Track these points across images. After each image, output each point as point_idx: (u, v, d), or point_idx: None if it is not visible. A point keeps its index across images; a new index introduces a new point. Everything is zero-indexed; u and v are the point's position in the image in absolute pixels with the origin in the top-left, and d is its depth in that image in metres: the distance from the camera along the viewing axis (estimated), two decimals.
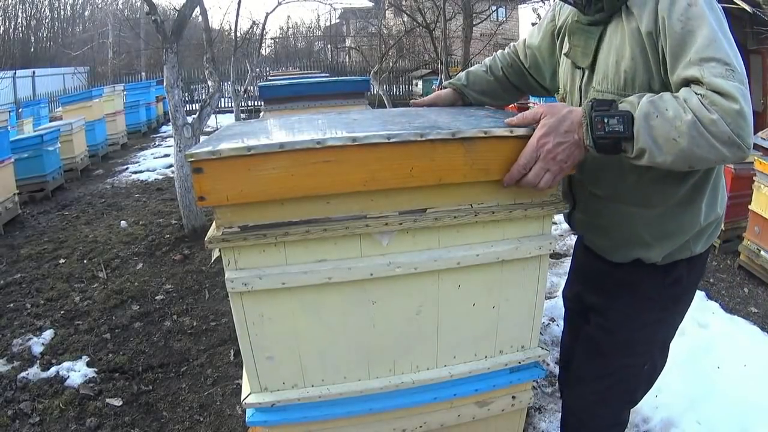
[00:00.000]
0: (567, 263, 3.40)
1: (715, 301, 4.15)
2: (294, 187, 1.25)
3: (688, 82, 1.26)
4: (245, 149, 1.20)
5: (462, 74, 2.02)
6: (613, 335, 1.68)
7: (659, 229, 1.54)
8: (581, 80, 1.60)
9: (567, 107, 1.31)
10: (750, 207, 4.77)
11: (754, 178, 4.73)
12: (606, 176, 1.52)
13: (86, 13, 29.80)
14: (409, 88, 20.89)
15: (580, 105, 1.49)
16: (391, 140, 1.24)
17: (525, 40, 1.92)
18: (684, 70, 1.27)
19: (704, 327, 3.58)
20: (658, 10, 1.33)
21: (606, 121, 1.25)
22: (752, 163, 4.79)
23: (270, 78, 10.58)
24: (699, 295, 4.14)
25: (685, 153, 1.21)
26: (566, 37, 1.64)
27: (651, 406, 2.84)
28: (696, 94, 1.21)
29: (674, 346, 3.28)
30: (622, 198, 1.54)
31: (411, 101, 2.16)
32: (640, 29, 1.38)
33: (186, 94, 18.31)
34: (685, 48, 1.28)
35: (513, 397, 1.61)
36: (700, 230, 1.56)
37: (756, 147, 5.58)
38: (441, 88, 2.05)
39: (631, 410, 2.84)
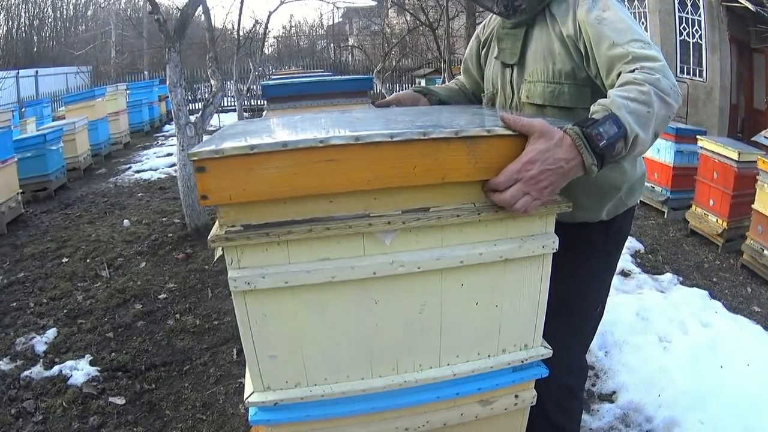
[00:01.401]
0: None
1: (718, 300, 4.14)
2: (297, 186, 1.24)
3: (614, 60, 1.49)
4: (248, 148, 1.20)
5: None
6: (568, 285, 1.82)
7: (595, 189, 1.76)
8: (510, 76, 1.84)
9: (560, 133, 1.29)
10: (753, 206, 4.77)
11: (757, 177, 4.73)
12: None
13: (89, 13, 29.81)
14: (412, 86, 20.88)
15: (512, 99, 1.85)
16: (394, 139, 1.24)
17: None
18: (610, 50, 1.50)
19: (707, 326, 3.58)
20: (577, 18, 1.61)
21: (601, 131, 1.29)
22: (755, 162, 4.78)
23: (273, 77, 10.57)
24: (702, 294, 4.15)
25: (656, 118, 1.35)
26: (494, 43, 1.91)
27: (654, 405, 2.84)
28: (635, 72, 1.40)
29: (677, 345, 3.30)
30: None
31: (374, 102, 2.26)
32: (563, 32, 1.65)
33: (189, 93, 18.32)
34: (606, 36, 1.52)
35: (516, 396, 1.61)
36: (629, 186, 1.81)
37: (760, 146, 5.59)
38: None
39: (635, 409, 2.87)
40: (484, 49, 2.03)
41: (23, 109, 12.39)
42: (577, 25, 1.61)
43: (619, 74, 1.46)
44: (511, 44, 1.81)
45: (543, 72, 1.72)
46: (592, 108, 1.38)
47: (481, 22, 2.16)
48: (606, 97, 1.39)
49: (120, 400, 3.11)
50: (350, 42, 27.66)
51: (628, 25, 1.53)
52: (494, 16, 1.91)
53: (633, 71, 1.40)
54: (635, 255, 5.16)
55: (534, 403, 1.65)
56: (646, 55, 1.43)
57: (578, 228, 1.80)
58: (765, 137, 5.31)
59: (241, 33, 14.77)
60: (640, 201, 6.77)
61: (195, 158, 1.19)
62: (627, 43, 1.48)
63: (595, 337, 2.14)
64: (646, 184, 6.66)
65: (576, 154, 1.28)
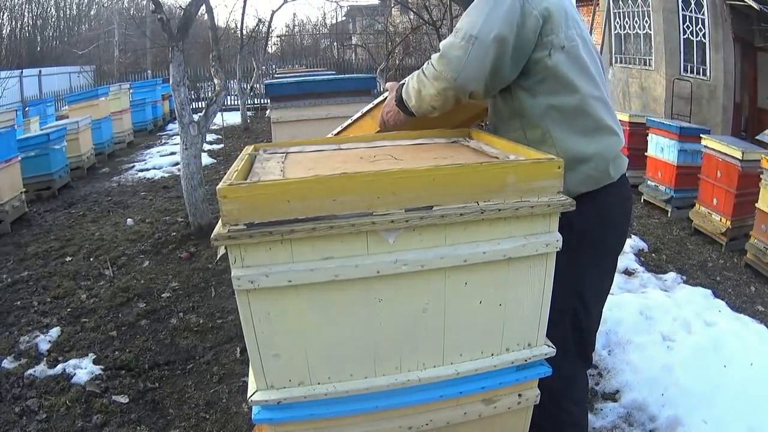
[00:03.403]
0: None
1: (722, 299, 4.13)
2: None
3: None
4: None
5: None
6: None
7: None
8: None
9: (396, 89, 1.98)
10: (757, 205, 4.76)
11: (760, 176, 4.72)
12: (491, 124, 2.06)
13: (92, 12, 29.82)
14: None
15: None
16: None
17: None
18: None
19: (711, 325, 3.57)
20: None
21: (402, 89, 1.91)
22: (759, 161, 4.77)
23: (276, 76, 10.57)
24: (705, 293, 4.13)
25: (417, 92, 1.83)
26: None
27: (657, 404, 2.84)
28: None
29: (681, 344, 3.29)
30: None
31: None
32: None
33: (192, 92, 18.32)
34: None
35: (519, 395, 1.61)
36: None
37: (763, 145, 5.57)
38: None
39: (638, 408, 2.85)
40: None
41: (27, 109, 12.38)
42: None
43: None
44: None
45: None
46: None
47: None
48: (510, 89, 1.82)
49: (123, 399, 3.12)
50: (353, 41, 27.65)
51: (467, 15, 1.76)
52: None
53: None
54: (639, 254, 5.15)
55: (537, 402, 1.65)
56: (440, 47, 1.77)
57: None
58: None
59: (244, 32, 14.79)
60: (644, 200, 6.78)
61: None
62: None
63: (596, 339, 2.06)
64: (649, 182, 6.67)
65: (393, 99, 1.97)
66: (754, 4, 8.08)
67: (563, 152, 1.71)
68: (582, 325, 1.92)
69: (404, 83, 1.91)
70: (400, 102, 1.91)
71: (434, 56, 1.77)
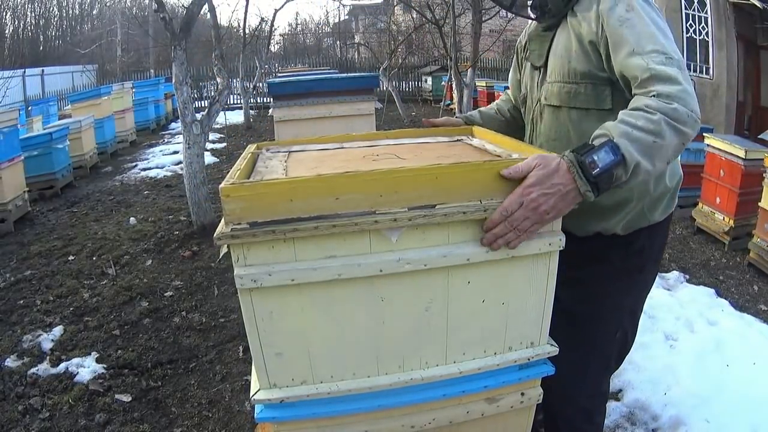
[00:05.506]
0: None
1: (725, 298, 4.13)
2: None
3: (632, 71, 1.43)
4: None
5: (475, 112, 2.20)
6: (584, 305, 1.78)
7: (611, 199, 1.65)
8: (538, 78, 1.83)
9: (557, 160, 1.32)
10: (760, 204, 4.75)
11: (763, 175, 4.71)
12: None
13: (94, 12, 29.90)
14: (418, 84, 20.80)
15: (538, 102, 1.81)
16: None
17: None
18: (628, 59, 1.44)
19: (713, 325, 3.57)
20: (600, 13, 1.54)
21: (595, 159, 1.30)
22: (762, 160, 4.76)
23: (279, 74, 10.57)
24: (708, 293, 4.13)
25: (665, 148, 1.33)
26: (527, 45, 1.91)
27: (660, 403, 2.84)
28: (650, 97, 1.36)
29: (683, 343, 3.29)
30: None
31: (423, 120, 2.22)
32: (581, 31, 1.61)
33: (195, 91, 18.36)
34: (626, 41, 1.46)
35: (522, 394, 1.61)
36: (652, 199, 1.70)
37: (766, 144, 5.56)
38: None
39: (641, 408, 2.85)
40: (524, 51, 1.98)
41: (29, 108, 12.37)
42: (599, 23, 1.55)
43: (634, 93, 1.44)
44: (539, 46, 1.81)
45: (560, 71, 1.69)
46: (596, 132, 1.38)
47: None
48: (625, 97, 1.48)
49: (126, 398, 3.12)
50: (356, 39, 27.64)
51: (652, 32, 1.45)
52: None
53: (649, 95, 1.36)
54: None
55: (540, 401, 1.65)
56: (667, 75, 1.37)
57: (593, 243, 1.73)
58: None
59: (247, 31, 14.80)
60: None
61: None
62: (648, 54, 1.41)
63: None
64: None
65: (571, 180, 1.31)
66: (757, 3, 8.08)
67: (657, 187, 1.70)
68: (629, 343, 1.98)
69: (608, 136, 1.33)
70: (609, 177, 1.31)
71: (675, 89, 1.35)
